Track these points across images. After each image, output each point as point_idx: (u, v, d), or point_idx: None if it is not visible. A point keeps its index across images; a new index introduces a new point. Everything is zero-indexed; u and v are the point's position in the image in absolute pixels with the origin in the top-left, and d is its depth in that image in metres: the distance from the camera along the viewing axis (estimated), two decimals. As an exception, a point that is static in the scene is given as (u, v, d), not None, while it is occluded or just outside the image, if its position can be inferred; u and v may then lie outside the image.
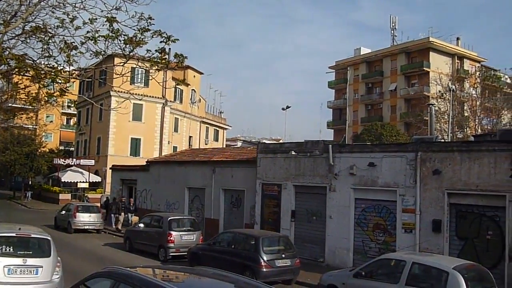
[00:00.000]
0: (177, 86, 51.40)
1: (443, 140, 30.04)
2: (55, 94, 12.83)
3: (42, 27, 11.56)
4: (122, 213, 28.14)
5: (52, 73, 11.62)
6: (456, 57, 64.12)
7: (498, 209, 14.50)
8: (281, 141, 46.32)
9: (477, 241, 14.97)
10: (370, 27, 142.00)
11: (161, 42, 11.26)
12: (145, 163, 31.20)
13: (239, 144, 70.36)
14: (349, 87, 71.46)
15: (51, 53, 11.82)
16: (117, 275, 6.31)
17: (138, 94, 33.46)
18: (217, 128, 66.11)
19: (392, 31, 70.76)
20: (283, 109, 55.93)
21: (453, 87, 41.83)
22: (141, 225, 21.01)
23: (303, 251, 18.82)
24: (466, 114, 44.21)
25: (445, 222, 15.44)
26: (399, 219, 16.56)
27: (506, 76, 55.94)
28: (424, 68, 61.29)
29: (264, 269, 14.61)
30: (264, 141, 54.36)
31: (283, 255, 15.33)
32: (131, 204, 28.82)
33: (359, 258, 17.35)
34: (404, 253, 13.50)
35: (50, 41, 11.61)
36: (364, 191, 17.75)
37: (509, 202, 14.07)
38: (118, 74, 11.74)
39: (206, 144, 59.61)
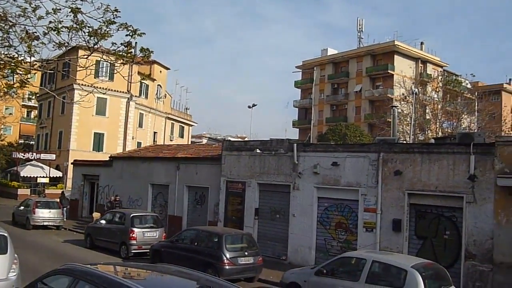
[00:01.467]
0: (142, 81, 50.71)
1: (405, 142, 30.71)
2: (15, 86, 12.44)
3: (2, 15, 11.19)
4: None
5: (12, 64, 11.27)
6: (419, 61, 65.60)
7: (456, 210, 14.95)
8: (246, 139, 46.35)
9: (435, 240, 15.40)
10: (337, 29, 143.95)
11: (127, 35, 11.07)
12: (108, 159, 30.71)
13: (204, 141, 70.00)
14: (315, 87, 72.16)
15: (11, 43, 11.44)
16: (76, 272, 6.19)
17: (103, 88, 32.92)
18: (183, 125, 65.63)
19: (359, 34, 71.88)
20: (249, 107, 55.74)
21: (416, 90, 42.83)
22: (103, 221, 20.68)
23: (266, 249, 18.93)
24: (428, 117, 45.28)
25: (405, 222, 15.80)
26: (361, 218, 16.85)
27: (467, 82, 57.66)
28: (389, 71, 62.45)
29: (227, 267, 14.63)
30: (229, 138, 54.30)
31: (246, 253, 15.39)
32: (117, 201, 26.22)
33: (321, 256, 17.56)
34: (364, 251, 13.76)
35: (11, 30, 11.24)
36: (327, 190, 17.97)
37: (466, 203, 14.53)
38: (82, 67, 11.49)
39: (171, 140, 59.05)
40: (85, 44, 11.32)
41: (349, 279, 11.58)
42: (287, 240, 18.91)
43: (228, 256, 14.75)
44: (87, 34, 11.02)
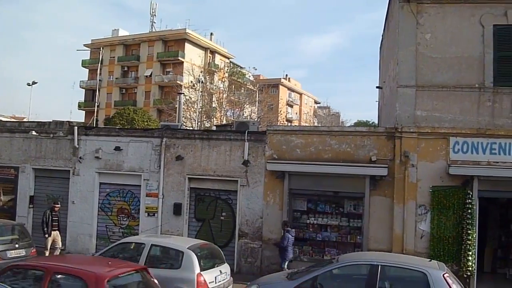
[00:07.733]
0: None
1: (190, 128, 31.83)
2: None
3: None
4: (57, 230, 16.17)
5: None
6: (208, 51, 68.25)
7: (231, 193, 16.21)
8: (25, 120, 42.23)
9: (213, 222, 16.47)
10: (131, 10, 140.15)
11: None
12: None
13: (-27, 121, 61.57)
14: (104, 68, 69.45)
15: None
16: None
17: None
18: None
19: (152, 18, 71.48)
20: (28, 84, 50.78)
21: (203, 79, 44.69)
22: None
23: (42, 239, 17.71)
24: (214, 105, 47.66)
25: (185, 205, 16.50)
26: (143, 203, 16.99)
27: (250, 74, 62.34)
28: (179, 58, 63.60)
29: (-7, 262, 13.26)
30: (1, 118, 48.74)
31: (17, 245, 14.17)
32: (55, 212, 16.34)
33: (102, 243, 17.19)
34: (144, 236, 13.93)
35: None
36: (109, 176, 17.59)
37: (240, 186, 15.87)
38: None
39: None
40: None
41: (128, 264, 11.56)
42: (66, 229, 17.95)
43: (-6, 249, 13.39)
44: None
